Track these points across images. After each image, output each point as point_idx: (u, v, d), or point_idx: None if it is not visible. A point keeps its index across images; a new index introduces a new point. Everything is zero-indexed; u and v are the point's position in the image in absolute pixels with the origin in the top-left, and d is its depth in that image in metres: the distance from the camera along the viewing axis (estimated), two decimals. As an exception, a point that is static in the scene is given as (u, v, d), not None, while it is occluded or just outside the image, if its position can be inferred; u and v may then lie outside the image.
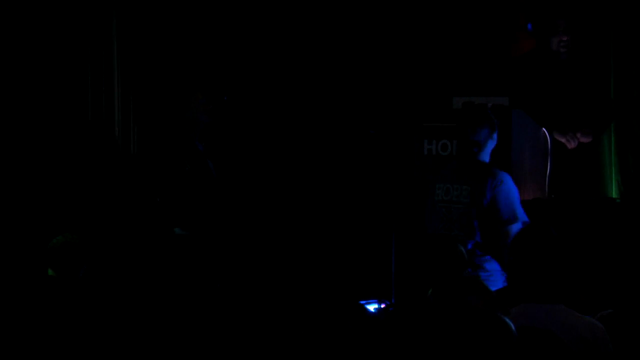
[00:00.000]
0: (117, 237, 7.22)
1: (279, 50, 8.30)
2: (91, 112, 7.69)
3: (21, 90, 7.47)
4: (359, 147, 8.12)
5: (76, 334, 4.77)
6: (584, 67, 7.24)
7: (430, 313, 4.23)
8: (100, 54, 7.69)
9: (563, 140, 6.98)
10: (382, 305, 6.86)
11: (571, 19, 7.22)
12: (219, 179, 6.89)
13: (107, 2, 7.71)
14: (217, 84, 7.84)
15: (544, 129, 6.89)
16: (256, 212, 7.95)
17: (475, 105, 6.65)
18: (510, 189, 6.16)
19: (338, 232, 8.08)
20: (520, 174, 6.40)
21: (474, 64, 8.04)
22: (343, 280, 7.73)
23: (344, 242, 8.04)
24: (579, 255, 6.32)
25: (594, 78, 7.25)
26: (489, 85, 7.51)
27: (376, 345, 3.92)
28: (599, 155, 7.34)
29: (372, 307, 6.78)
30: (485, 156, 6.25)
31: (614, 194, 7.54)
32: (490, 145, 6.26)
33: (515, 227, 5.98)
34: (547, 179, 6.86)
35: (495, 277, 6.15)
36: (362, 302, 6.68)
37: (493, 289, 4.62)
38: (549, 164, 6.86)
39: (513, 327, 3.50)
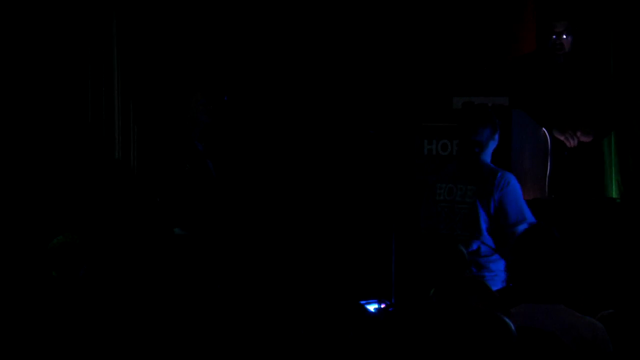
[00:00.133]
0: (117, 237, 7.22)
1: (279, 50, 8.30)
2: (91, 113, 7.69)
3: (21, 90, 7.47)
4: (359, 147, 8.12)
5: (76, 334, 4.77)
6: (584, 67, 7.23)
7: (430, 313, 4.23)
8: (100, 54, 7.69)
9: (562, 138, 6.98)
10: (382, 305, 6.86)
11: (572, 19, 7.21)
12: (218, 179, 6.89)
13: (107, 2, 7.71)
14: (217, 84, 7.84)
15: (544, 129, 6.89)
16: (256, 212, 7.95)
17: (477, 105, 6.64)
18: (517, 190, 6.16)
19: (338, 232, 8.08)
20: (520, 174, 6.39)
21: (474, 64, 8.04)
22: (343, 280, 7.72)
23: (344, 242, 8.04)
24: (579, 255, 6.32)
25: (594, 78, 7.25)
26: (489, 85, 7.50)
27: (376, 345, 3.92)
28: (599, 155, 7.34)
29: (372, 307, 6.78)
30: (487, 156, 6.24)
31: (614, 194, 7.54)
32: (492, 145, 6.26)
33: (522, 228, 5.96)
34: (547, 179, 6.86)
35: (500, 278, 6.15)
36: (362, 302, 6.68)
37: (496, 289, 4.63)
38: (549, 164, 6.86)
39: (513, 327, 3.50)
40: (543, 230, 4.83)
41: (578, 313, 4.50)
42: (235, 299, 5.06)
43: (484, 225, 6.13)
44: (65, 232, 5.49)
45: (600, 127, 7.14)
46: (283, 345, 4.05)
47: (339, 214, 8.15)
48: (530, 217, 6.12)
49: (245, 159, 8.13)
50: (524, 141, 6.77)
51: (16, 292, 5.20)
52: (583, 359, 4.24)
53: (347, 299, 6.61)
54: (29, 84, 7.47)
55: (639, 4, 7.54)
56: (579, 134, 7.00)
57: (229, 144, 7.90)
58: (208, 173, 6.81)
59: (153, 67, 7.87)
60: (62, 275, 5.30)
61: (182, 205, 6.66)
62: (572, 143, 6.98)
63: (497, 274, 6.15)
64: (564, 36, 7.15)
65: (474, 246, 6.14)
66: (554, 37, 7.16)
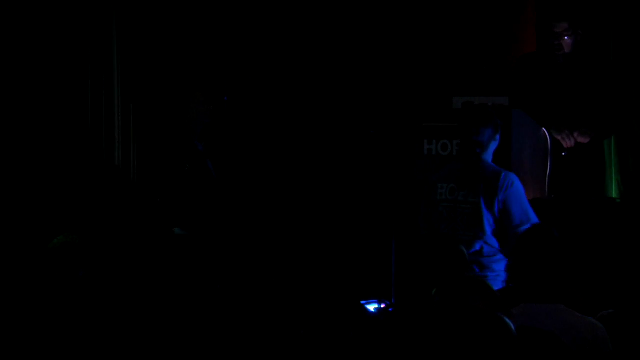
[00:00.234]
0: (117, 237, 7.21)
1: (279, 51, 8.30)
2: (91, 113, 7.69)
3: (21, 90, 7.47)
4: (359, 147, 8.12)
5: (76, 334, 4.77)
6: (585, 68, 7.23)
7: (430, 313, 4.22)
8: (100, 54, 7.69)
9: (559, 138, 6.97)
10: (382, 305, 6.86)
11: (573, 20, 7.21)
12: (218, 179, 6.89)
13: (107, 2, 7.71)
14: (217, 84, 7.84)
15: (544, 129, 6.89)
16: (256, 213, 7.94)
17: (478, 105, 6.64)
18: (521, 191, 6.16)
19: (338, 233, 8.08)
20: (520, 174, 6.39)
21: (474, 64, 8.04)
22: (343, 281, 7.72)
23: (344, 242, 8.04)
24: (579, 255, 6.32)
25: (595, 79, 7.24)
26: (489, 85, 7.51)
27: (376, 345, 3.92)
28: (599, 155, 7.34)
29: (372, 307, 6.78)
30: (489, 156, 6.24)
31: (614, 194, 7.54)
32: (493, 145, 6.26)
33: (526, 229, 5.96)
34: (547, 179, 6.86)
35: (502, 278, 6.15)
36: (362, 302, 6.68)
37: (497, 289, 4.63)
38: (549, 164, 6.86)
39: (513, 327, 3.50)
40: (543, 231, 4.83)
41: (578, 313, 4.50)
42: (235, 299, 5.06)
43: (487, 226, 6.13)
44: (65, 232, 5.48)
45: (600, 128, 7.14)
46: (283, 345, 4.05)
47: (339, 214, 8.15)
48: (534, 218, 6.12)
49: (245, 159, 8.13)
50: (524, 141, 6.77)
51: (16, 292, 5.19)
52: (583, 359, 4.24)
53: (347, 299, 6.60)
54: (29, 83, 7.47)
55: (639, 4, 7.54)
56: (575, 134, 7.00)
57: (229, 144, 7.90)
58: (208, 173, 6.81)
59: (153, 67, 7.87)
60: (62, 275, 5.29)
61: (182, 205, 6.66)
62: (568, 143, 6.98)
63: (499, 274, 6.15)
64: (565, 37, 7.15)
65: (477, 246, 6.14)
66: (554, 37, 7.16)
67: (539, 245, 4.64)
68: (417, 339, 4.02)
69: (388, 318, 4.86)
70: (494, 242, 6.15)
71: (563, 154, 6.95)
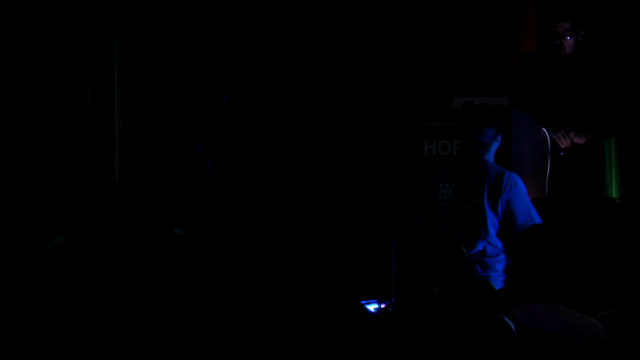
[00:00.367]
0: (117, 237, 7.21)
1: (279, 51, 8.30)
2: (91, 112, 7.69)
3: (21, 90, 7.47)
4: (359, 147, 8.12)
5: (76, 334, 4.77)
6: (585, 68, 7.23)
7: (430, 313, 4.22)
8: (100, 54, 7.69)
9: (555, 137, 6.97)
10: (382, 305, 6.86)
11: (573, 20, 7.21)
12: (218, 178, 6.89)
13: (107, 2, 7.71)
14: (217, 84, 7.83)
15: (544, 129, 6.89)
16: (256, 212, 7.94)
17: (480, 105, 6.64)
18: (524, 191, 6.16)
19: (338, 232, 8.08)
20: (520, 174, 6.39)
21: (474, 64, 8.04)
22: (343, 281, 7.72)
23: (344, 242, 8.04)
24: (579, 255, 6.32)
25: (595, 78, 7.24)
26: (489, 85, 7.51)
27: (376, 345, 3.92)
28: (599, 155, 7.34)
29: (372, 307, 6.78)
30: (490, 156, 6.24)
31: (614, 194, 7.54)
32: (495, 146, 6.26)
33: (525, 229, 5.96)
34: (547, 179, 6.86)
35: (504, 278, 6.15)
36: (362, 302, 6.68)
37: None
38: (549, 164, 6.86)
39: (513, 327, 3.50)
40: (542, 230, 4.83)
41: (578, 313, 4.50)
42: (235, 299, 5.06)
43: (491, 226, 6.13)
44: (65, 232, 5.48)
45: (598, 129, 7.14)
46: (283, 346, 4.05)
47: (340, 213, 8.15)
48: (537, 218, 6.12)
49: (245, 159, 8.13)
50: (524, 141, 6.77)
51: (16, 292, 5.19)
52: (583, 358, 4.24)
53: (348, 299, 6.60)
54: (30, 83, 7.47)
55: (639, 4, 7.54)
56: (571, 134, 6.99)
57: (229, 144, 7.90)
58: (208, 173, 6.81)
59: (153, 67, 7.87)
60: (62, 275, 5.30)
61: (182, 205, 6.66)
62: (564, 143, 6.97)
63: (501, 274, 6.15)
64: (567, 37, 7.15)
65: (480, 246, 6.14)
66: (556, 37, 7.16)
67: (538, 245, 4.64)
68: (417, 339, 4.02)
69: (388, 318, 4.86)
70: (497, 242, 6.14)
71: (561, 154, 6.95)
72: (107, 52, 7.73)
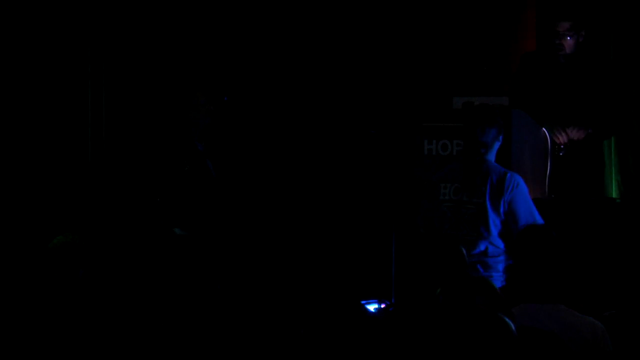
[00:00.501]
0: (117, 237, 7.21)
1: (279, 51, 8.30)
2: (91, 113, 7.69)
3: (22, 90, 7.48)
4: (359, 147, 8.12)
5: (76, 334, 4.77)
6: (585, 68, 7.23)
7: (430, 313, 4.22)
8: (100, 54, 7.69)
9: (554, 136, 6.97)
10: (382, 305, 6.86)
11: (573, 20, 7.20)
12: (218, 179, 6.89)
13: (107, 3, 7.71)
14: (217, 84, 7.84)
15: (544, 129, 6.89)
16: (256, 212, 7.94)
17: (482, 105, 6.64)
18: (526, 192, 6.16)
19: (338, 232, 8.08)
20: (520, 174, 6.39)
21: (474, 64, 8.04)
22: (343, 280, 7.72)
23: (344, 242, 8.04)
24: (579, 255, 6.32)
25: (595, 78, 7.24)
26: (489, 85, 7.51)
27: (376, 345, 3.92)
28: (598, 155, 7.34)
29: (372, 307, 6.78)
30: (492, 156, 6.24)
31: (614, 194, 7.54)
32: (497, 146, 6.25)
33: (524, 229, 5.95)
34: (547, 179, 6.86)
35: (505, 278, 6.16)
36: (362, 302, 6.68)
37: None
38: (549, 164, 6.86)
39: (513, 327, 3.50)
40: (541, 230, 4.83)
41: (578, 313, 4.50)
42: (236, 299, 5.06)
43: (493, 227, 6.12)
44: (65, 232, 5.48)
45: (595, 126, 7.13)
46: (283, 346, 4.05)
47: (340, 213, 8.15)
48: (539, 219, 6.11)
49: (245, 159, 8.13)
50: (524, 141, 6.77)
51: (16, 292, 5.19)
52: (583, 358, 4.24)
53: (347, 299, 6.60)
54: (30, 83, 7.47)
55: (639, 4, 7.54)
56: (568, 130, 6.99)
57: (229, 144, 7.90)
58: (208, 173, 6.81)
59: (153, 67, 7.87)
60: (62, 275, 5.30)
61: (182, 205, 6.66)
62: (560, 139, 6.96)
63: (503, 274, 6.15)
64: (567, 37, 7.14)
65: (482, 247, 6.13)
66: (556, 37, 7.16)
67: (537, 245, 4.65)
68: (417, 339, 4.02)
69: (388, 318, 4.86)
70: (499, 242, 6.14)
71: (560, 154, 6.95)
72: (108, 52, 7.74)
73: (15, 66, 7.45)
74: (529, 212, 6.11)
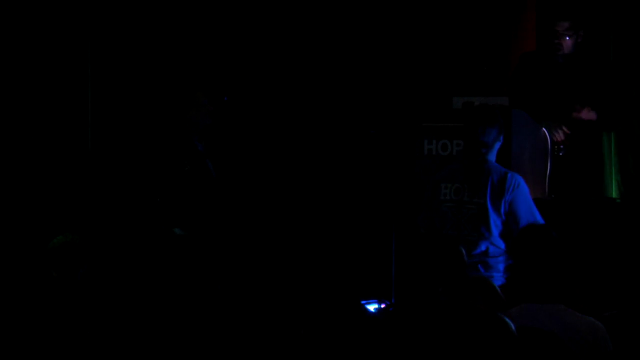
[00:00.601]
0: (117, 237, 7.22)
1: (279, 51, 8.30)
2: (91, 113, 7.69)
3: (22, 90, 7.48)
4: (359, 147, 8.12)
5: (76, 334, 4.77)
6: (584, 68, 7.23)
7: (430, 313, 4.23)
8: (100, 55, 7.70)
9: (552, 135, 6.97)
10: (382, 305, 6.86)
11: (573, 20, 7.21)
12: (218, 179, 6.89)
13: (107, 3, 7.71)
14: (217, 84, 7.84)
15: (544, 128, 6.89)
16: (256, 212, 7.95)
17: (483, 105, 6.63)
18: (526, 192, 6.15)
19: (338, 232, 8.08)
20: (520, 174, 6.39)
21: (474, 64, 8.04)
22: (343, 280, 7.72)
23: (344, 242, 8.04)
24: (579, 255, 6.32)
25: (594, 78, 7.24)
26: (489, 85, 7.51)
27: (376, 345, 3.92)
28: (599, 155, 7.34)
29: (372, 307, 6.78)
30: (493, 156, 6.23)
31: (614, 194, 7.54)
32: (497, 146, 6.25)
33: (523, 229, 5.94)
34: (547, 179, 6.86)
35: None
36: (362, 302, 6.68)
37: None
38: (549, 164, 6.86)
39: (513, 327, 3.50)
40: (540, 231, 4.83)
41: (578, 313, 4.50)
42: (235, 299, 5.06)
43: (494, 227, 6.12)
44: (65, 232, 5.48)
45: (591, 123, 7.13)
46: (283, 345, 4.05)
47: (340, 213, 8.15)
48: (539, 219, 6.11)
49: (245, 159, 8.13)
50: (524, 141, 6.77)
51: (16, 292, 5.20)
52: (583, 358, 4.24)
53: (347, 299, 6.60)
54: (30, 83, 7.48)
55: (639, 4, 7.54)
56: (565, 127, 6.99)
57: (229, 144, 7.90)
58: (208, 173, 6.81)
59: (153, 67, 7.87)
60: (62, 275, 5.30)
61: (182, 205, 6.66)
62: (558, 137, 6.96)
63: (504, 274, 6.15)
64: (566, 37, 7.15)
65: (483, 247, 6.13)
66: (555, 37, 7.16)
67: (537, 245, 4.64)
68: (417, 339, 4.02)
69: (388, 318, 4.86)
70: (500, 242, 6.14)
71: (560, 154, 6.95)
72: (108, 52, 7.74)
73: (15, 66, 7.45)
74: (529, 212, 6.11)
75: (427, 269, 4.79)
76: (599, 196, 7.30)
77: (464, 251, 4.98)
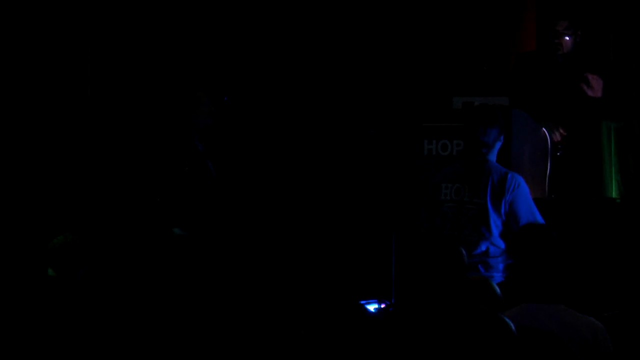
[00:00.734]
0: (117, 237, 7.22)
1: (279, 51, 8.30)
2: (91, 113, 7.69)
3: (22, 89, 7.48)
4: (359, 147, 8.12)
5: (76, 334, 4.77)
6: (584, 67, 7.23)
7: (430, 313, 4.23)
8: (101, 55, 7.70)
9: (551, 134, 6.97)
10: (382, 305, 6.86)
11: (572, 19, 7.21)
12: (218, 179, 6.89)
13: (108, 4, 7.71)
14: (217, 84, 7.84)
15: (544, 129, 6.89)
16: (256, 212, 7.95)
17: (484, 105, 6.63)
18: (527, 192, 6.15)
19: (338, 232, 8.08)
20: (520, 174, 6.39)
21: (474, 64, 8.04)
22: (343, 280, 7.72)
23: (344, 242, 8.04)
24: (579, 255, 6.32)
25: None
26: (489, 85, 7.51)
27: (376, 345, 3.92)
28: (599, 155, 7.34)
29: (372, 307, 6.78)
30: (493, 156, 6.23)
31: (614, 194, 7.54)
32: (498, 146, 6.25)
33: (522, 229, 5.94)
34: (547, 179, 6.85)
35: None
36: (362, 302, 6.68)
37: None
38: (549, 164, 6.86)
39: (513, 327, 3.50)
40: (539, 230, 4.83)
41: (578, 313, 4.50)
42: (235, 299, 5.06)
43: (494, 227, 6.12)
44: (65, 232, 5.49)
45: (587, 124, 7.14)
46: (283, 346, 4.05)
47: (340, 213, 8.15)
48: (540, 219, 6.10)
49: (246, 159, 8.13)
50: (524, 141, 6.77)
51: (16, 292, 5.20)
52: (583, 358, 4.24)
53: (347, 299, 6.60)
54: (30, 83, 7.48)
55: (639, 4, 7.54)
56: (561, 129, 6.99)
57: (229, 144, 7.90)
58: (208, 173, 6.81)
59: (153, 67, 7.87)
60: (62, 275, 5.30)
61: (182, 205, 6.66)
62: (555, 138, 6.97)
63: (503, 273, 6.15)
64: (566, 37, 7.15)
65: (483, 247, 6.13)
66: (555, 36, 7.16)
67: (537, 244, 4.64)
68: (417, 339, 4.02)
69: (388, 318, 4.86)
70: (500, 243, 6.13)
71: (558, 154, 6.95)
72: (109, 52, 7.74)
73: (15, 67, 7.45)
74: (530, 213, 6.11)
75: (427, 269, 4.79)
76: (599, 196, 7.30)
77: (464, 252, 4.97)
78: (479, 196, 6.17)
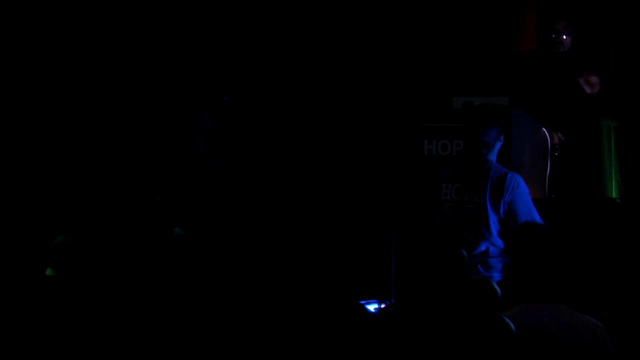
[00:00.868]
0: (117, 237, 7.22)
1: (279, 51, 8.30)
2: (92, 113, 7.69)
3: (22, 89, 7.48)
4: (359, 147, 8.12)
5: (76, 334, 4.77)
6: (584, 66, 7.23)
7: (430, 313, 4.23)
8: (102, 55, 7.70)
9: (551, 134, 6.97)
10: (382, 305, 6.86)
11: (572, 18, 7.22)
12: (219, 178, 6.89)
13: (110, 4, 7.72)
14: (218, 84, 7.84)
15: (544, 129, 6.89)
16: (256, 212, 7.95)
17: (484, 105, 6.63)
18: (526, 192, 6.15)
19: (338, 232, 8.08)
20: (520, 174, 6.39)
21: (474, 64, 8.04)
22: (343, 280, 7.72)
23: (344, 242, 8.04)
24: (579, 255, 6.32)
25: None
26: (489, 85, 7.51)
27: (376, 345, 3.92)
28: (599, 155, 7.34)
29: (372, 307, 6.78)
30: (493, 156, 6.23)
31: (614, 194, 7.54)
32: (498, 146, 6.25)
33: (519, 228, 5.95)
34: (547, 179, 6.85)
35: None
36: (362, 302, 6.68)
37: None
38: (549, 164, 6.86)
39: (513, 327, 3.50)
40: (536, 229, 4.83)
41: (578, 313, 4.50)
42: (236, 299, 5.06)
43: (493, 227, 6.12)
44: (65, 232, 5.49)
45: (587, 126, 7.14)
46: (283, 346, 4.05)
47: (340, 214, 8.15)
48: (538, 219, 6.10)
49: (246, 159, 8.13)
50: (524, 141, 6.77)
51: (16, 292, 5.20)
52: (583, 358, 4.24)
53: (347, 299, 6.60)
54: (30, 83, 7.48)
55: (639, 4, 7.55)
56: (559, 133, 6.99)
57: (230, 143, 7.90)
58: (209, 173, 6.81)
59: (155, 67, 7.87)
60: (62, 275, 5.30)
61: (182, 205, 6.66)
62: (554, 140, 6.97)
63: (502, 273, 6.15)
64: (564, 36, 7.16)
65: (483, 247, 6.13)
66: (554, 35, 7.16)
67: (533, 243, 4.65)
68: (417, 339, 4.02)
69: (388, 318, 4.86)
70: (500, 243, 6.14)
71: (556, 154, 6.95)
72: (110, 52, 7.74)
73: (16, 67, 7.45)
74: (528, 213, 6.11)
75: (427, 269, 4.79)
76: (599, 196, 7.30)
77: (465, 252, 4.98)
78: (478, 196, 6.18)
